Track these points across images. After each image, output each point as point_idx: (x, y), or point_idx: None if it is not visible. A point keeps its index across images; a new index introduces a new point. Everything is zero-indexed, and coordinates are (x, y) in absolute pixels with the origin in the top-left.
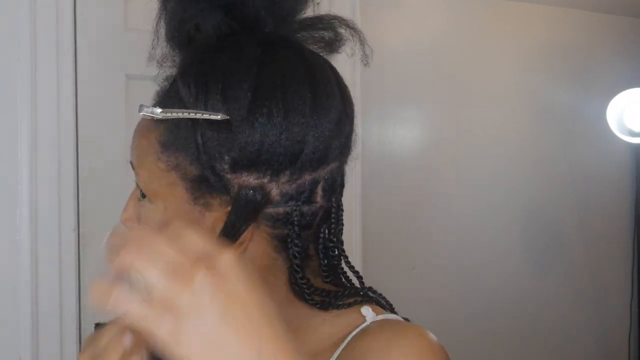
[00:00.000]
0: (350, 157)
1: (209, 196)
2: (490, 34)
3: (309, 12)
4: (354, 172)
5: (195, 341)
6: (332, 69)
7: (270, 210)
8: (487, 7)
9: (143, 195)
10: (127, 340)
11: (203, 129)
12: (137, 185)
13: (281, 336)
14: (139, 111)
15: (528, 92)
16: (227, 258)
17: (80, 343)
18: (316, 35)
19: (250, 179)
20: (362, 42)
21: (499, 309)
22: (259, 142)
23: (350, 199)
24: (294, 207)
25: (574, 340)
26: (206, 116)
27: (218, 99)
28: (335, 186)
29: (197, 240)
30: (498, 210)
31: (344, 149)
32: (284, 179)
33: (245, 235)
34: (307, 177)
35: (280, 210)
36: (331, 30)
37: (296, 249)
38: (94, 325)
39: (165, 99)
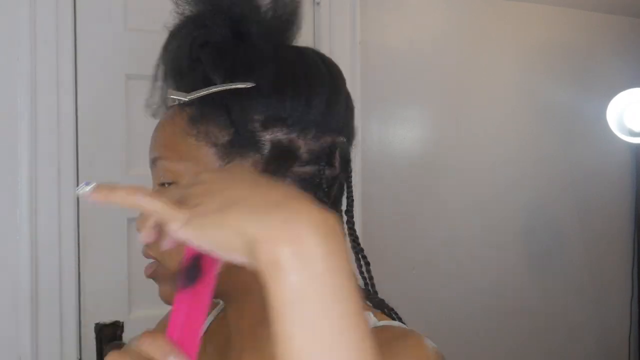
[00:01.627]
0: (354, 141)
1: (240, 158)
2: (490, 34)
3: (309, 13)
4: (354, 172)
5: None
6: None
7: (298, 169)
8: (487, 7)
9: (168, 182)
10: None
11: (233, 97)
12: (157, 183)
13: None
14: (170, 102)
15: (528, 92)
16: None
17: (80, 343)
18: None
19: (280, 134)
20: None
21: (498, 309)
22: (289, 106)
23: None
24: (320, 167)
25: (574, 340)
26: (236, 86)
27: (245, 75)
28: (348, 158)
29: None
30: (498, 210)
31: (350, 126)
32: (309, 135)
33: None
34: (328, 139)
35: (308, 169)
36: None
37: (326, 200)
38: (93, 325)
39: (187, 88)
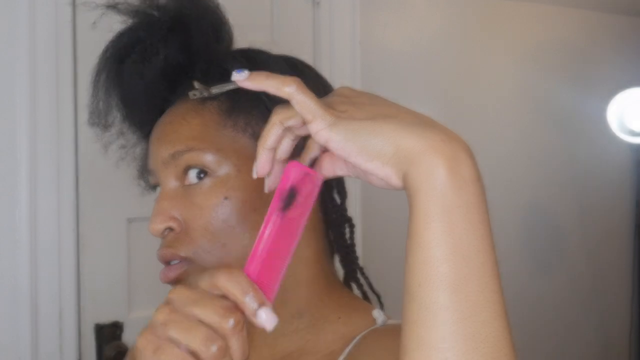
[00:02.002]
0: None
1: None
2: (490, 34)
3: (309, 13)
4: None
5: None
6: None
7: None
8: (487, 7)
9: (199, 175)
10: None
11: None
12: (176, 177)
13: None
14: (196, 94)
15: (528, 91)
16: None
17: (79, 343)
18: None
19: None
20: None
21: None
22: None
23: (351, 198)
24: None
25: (574, 340)
26: None
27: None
28: None
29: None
30: (498, 210)
31: None
32: None
33: None
34: None
35: None
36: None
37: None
38: (93, 325)
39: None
